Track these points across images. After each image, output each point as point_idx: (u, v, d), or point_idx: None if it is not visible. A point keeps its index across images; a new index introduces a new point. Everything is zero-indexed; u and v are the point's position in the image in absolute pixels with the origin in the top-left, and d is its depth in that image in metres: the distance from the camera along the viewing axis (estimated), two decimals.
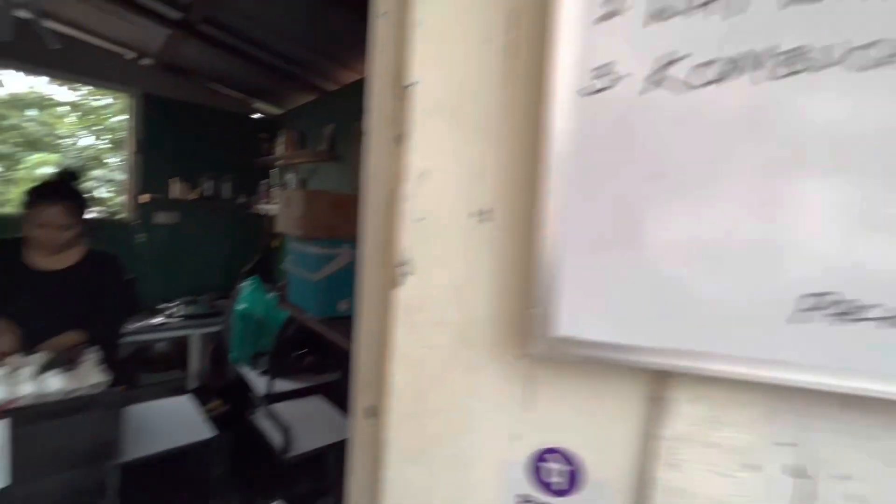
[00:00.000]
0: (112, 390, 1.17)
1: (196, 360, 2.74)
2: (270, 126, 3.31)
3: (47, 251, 1.62)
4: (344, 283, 1.98)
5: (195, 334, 2.72)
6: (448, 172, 0.47)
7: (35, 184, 1.61)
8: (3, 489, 1.03)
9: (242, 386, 2.50)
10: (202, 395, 2.71)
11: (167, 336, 2.72)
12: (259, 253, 3.10)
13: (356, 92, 2.40)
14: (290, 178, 2.87)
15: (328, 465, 2.30)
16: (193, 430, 1.56)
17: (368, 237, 0.56)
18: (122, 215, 3.09)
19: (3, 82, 4.55)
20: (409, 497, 0.50)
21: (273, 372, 2.08)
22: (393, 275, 0.49)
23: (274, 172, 3.08)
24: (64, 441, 1.11)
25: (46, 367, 1.19)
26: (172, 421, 1.60)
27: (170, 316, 2.72)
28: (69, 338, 1.63)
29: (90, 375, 1.19)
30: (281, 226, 2.15)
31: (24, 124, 4.68)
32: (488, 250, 0.46)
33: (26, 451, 1.06)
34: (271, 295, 2.35)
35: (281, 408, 1.74)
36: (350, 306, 2.01)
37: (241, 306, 2.27)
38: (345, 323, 1.95)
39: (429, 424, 0.49)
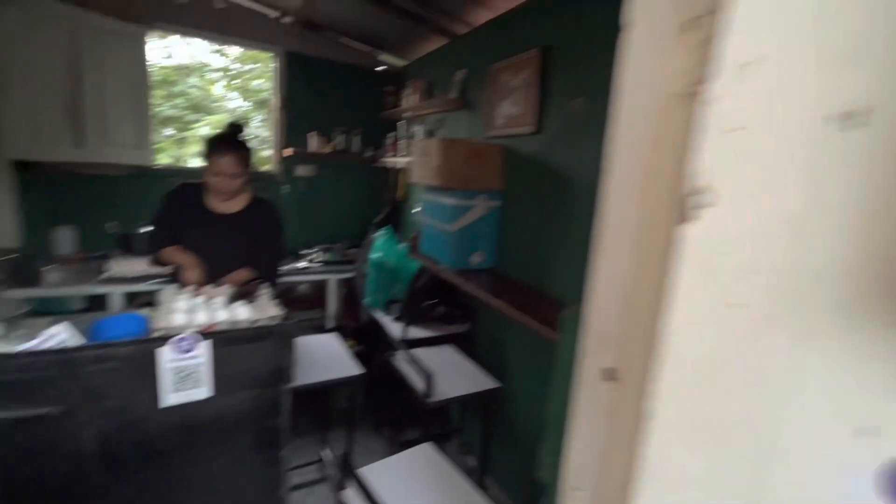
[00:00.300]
0: (286, 323, 1.27)
1: (333, 303, 2.99)
2: (395, 79, 3.32)
3: (221, 197, 1.81)
4: (478, 235, 1.93)
5: (332, 279, 2.95)
6: (790, 60, 0.33)
7: (210, 137, 1.79)
8: (208, 398, 1.19)
9: (375, 329, 2.66)
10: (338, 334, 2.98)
11: (308, 279, 3.00)
12: (388, 205, 3.20)
13: (490, 32, 2.25)
14: (417, 129, 2.86)
15: (452, 411, 2.38)
16: (344, 365, 1.68)
17: (621, 162, 0.45)
18: (268, 168, 3.40)
19: (172, 53, 5.23)
20: (679, 485, 0.41)
21: (406, 319, 2.16)
22: (682, 206, 0.37)
23: (401, 125, 3.11)
24: (249, 364, 1.24)
25: (234, 299, 1.34)
26: (326, 355, 1.74)
27: (311, 261, 2.98)
28: (243, 274, 1.84)
29: (268, 308, 1.30)
30: (416, 176, 2.15)
31: (189, 90, 5.36)
32: (855, 169, 0.32)
33: (223, 369, 1.20)
34: (403, 245, 2.41)
35: (418, 354, 1.79)
36: (483, 259, 1.97)
37: (375, 255, 2.38)
38: (477, 275, 1.92)
39: (721, 400, 0.38)
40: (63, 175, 2.60)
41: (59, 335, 1.06)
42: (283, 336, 1.27)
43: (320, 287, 3.20)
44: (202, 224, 1.82)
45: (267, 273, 1.93)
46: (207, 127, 5.17)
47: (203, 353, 1.16)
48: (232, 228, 1.86)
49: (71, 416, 1.02)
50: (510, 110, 1.91)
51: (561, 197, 1.68)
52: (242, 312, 1.25)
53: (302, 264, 2.91)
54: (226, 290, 1.41)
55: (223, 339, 1.18)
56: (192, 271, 1.71)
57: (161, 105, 5.03)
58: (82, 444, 1.04)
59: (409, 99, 2.91)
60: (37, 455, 0.98)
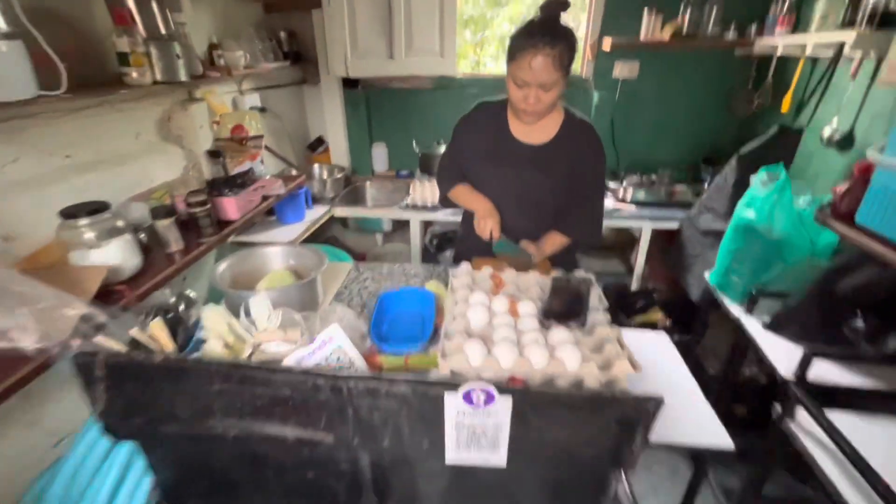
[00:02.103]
0: (631, 397, 0.67)
1: (642, 258, 2.23)
2: None
3: (527, 119, 1.25)
4: None
5: (646, 227, 2.16)
6: None
7: (517, 29, 1.18)
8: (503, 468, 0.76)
9: (706, 312, 1.83)
10: (640, 298, 2.27)
11: (613, 225, 2.30)
12: (772, 125, 2.01)
13: None
14: None
15: None
16: (698, 422, 1.00)
17: None
18: (576, 70, 2.67)
19: None
20: None
21: (803, 338, 1.25)
22: None
23: None
24: (569, 435, 0.75)
25: (554, 313, 0.81)
26: (663, 382, 1.09)
27: (622, 200, 2.24)
28: (556, 241, 1.32)
29: (614, 358, 0.72)
30: (892, 73, 1.04)
31: None
32: None
33: (527, 434, 0.74)
34: (805, 202, 1.38)
35: (840, 422, 0.92)
36: None
37: (744, 212, 1.45)
38: None
39: None
40: (375, 90, 2.61)
41: (332, 341, 0.78)
42: (628, 411, 0.69)
43: (626, 233, 2.48)
44: (501, 157, 1.34)
45: (588, 236, 1.36)
46: (506, 23, 4.71)
47: (502, 410, 0.71)
48: (538, 167, 1.31)
49: (345, 445, 0.78)
50: None
51: None
52: (571, 358, 0.70)
53: (611, 204, 2.21)
54: (539, 294, 0.89)
55: (533, 400, 0.69)
56: (486, 221, 1.28)
57: (465, 3, 4.82)
58: (357, 466, 0.84)
59: None
60: (314, 465, 0.82)
